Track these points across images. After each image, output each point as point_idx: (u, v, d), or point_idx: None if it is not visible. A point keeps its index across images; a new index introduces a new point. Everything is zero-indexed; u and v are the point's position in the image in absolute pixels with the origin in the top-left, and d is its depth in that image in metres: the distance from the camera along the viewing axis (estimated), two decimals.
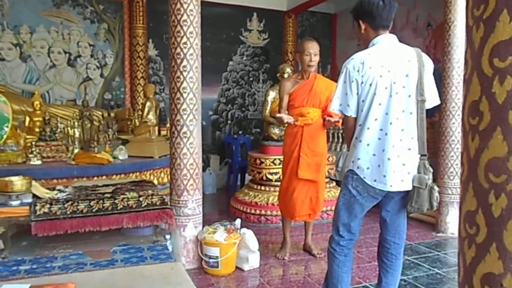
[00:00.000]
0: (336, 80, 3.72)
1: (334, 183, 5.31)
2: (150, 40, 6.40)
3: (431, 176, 2.12)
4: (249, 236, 3.31)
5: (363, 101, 2.11)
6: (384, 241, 2.34)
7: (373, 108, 2.08)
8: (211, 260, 3.17)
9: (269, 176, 4.90)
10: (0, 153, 3.88)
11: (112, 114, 5.56)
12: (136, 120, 5.29)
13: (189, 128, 3.19)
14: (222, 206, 5.65)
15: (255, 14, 7.20)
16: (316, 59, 3.42)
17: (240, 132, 7.18)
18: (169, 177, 4.72)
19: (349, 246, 2.27)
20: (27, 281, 2.05)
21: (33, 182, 2.76)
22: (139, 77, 6.17)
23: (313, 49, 3.41)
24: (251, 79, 7.29)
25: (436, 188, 2.13)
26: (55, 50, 5.89)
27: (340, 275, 2.27)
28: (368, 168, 2.10)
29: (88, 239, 3.05)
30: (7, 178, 2.59)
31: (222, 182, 6.88)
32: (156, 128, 4.97)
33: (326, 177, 4.54)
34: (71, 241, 2.98)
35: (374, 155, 2.09)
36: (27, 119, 4.63)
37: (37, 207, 2.62)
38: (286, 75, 5.06)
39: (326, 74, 7.44)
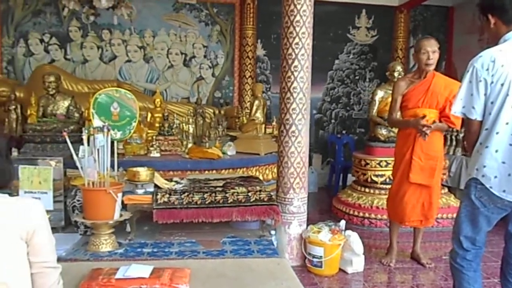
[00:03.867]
0: (453, 78, 3.48)
1: (446, 189, 4.95)
2: (259, 40, 6.61)
3: None
4: (354, 239, 3.25)
5: (492, 102, 1.92)
6: (510, 258, 2.12)
7: (505, 110, 1.88)
8: (314, 260, 3.18)
9: (375, 178, 4.75)
10: (126, 146, 4.33)
11: (222, 112, 5.85)
12: (244, 118, 5.49)
13: (298, 127, 3.23)
14: (323, 206, 5.62)
15: (364, 10, 7.01)
16: (434, 57, 3.24)
17: (344, 131, 7.06)
18: (273, 174, 4.83)
19: (477, 260, 2.10)
20: (150, 263, 2.22)
21: (155, 173, 3.01)
22: (247, 76, 6.42)
23: (430, 46, 3.23)
24: (357, 77, 7.12)
25: None
26: (173, 52, 6.42)
27: None
28: (495, 177, 1.91)
29: (199, 229, 3.22)
30: (135, 169, 2.86)
31: (324, 181, 6.84)
32: (263, 126, 5.12)
33: None
34: (185, 230, 3.16)
35: (503, 162, 1.90)
36: (149, 115, 5.09)
37: (158, 196, 2.85)
38: (396, 74, 4.85)
39: (440, 71, 6.90)
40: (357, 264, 3.30)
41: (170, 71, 6.46)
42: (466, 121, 2.10)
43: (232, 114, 5.82)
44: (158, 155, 4.42)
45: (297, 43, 3.16)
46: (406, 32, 6.97)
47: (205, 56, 6.54)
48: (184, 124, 4.79)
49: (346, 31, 7.01)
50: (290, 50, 3.18)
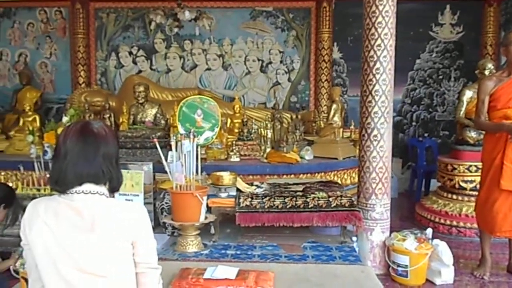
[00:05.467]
0: None
1: None
2: (335, 43, 6.54)
3: None
4: (443, 248, 3.08)
5: None
6: None
7: None
8: (399, 268, 3.06)
9: (463, 184, 4.46)
10: (208, 150, 4.51)
11: (299, 116, 5.87)
12: (321, 122, 5.46)
13: (380, 131, 3.15)
14: (404, 212, 5.39)
15: (448, 6, 6.64)
16: None
17: (426, 134, 6.71)
18: (351, 179, 4.74)
19: None
20: (234, 265, 2.29)
21: (238, 178, 3.10)
22: (323, 80, 6.39)
23: None
24: (440, 77, 6.75)
25: None
26: (250, 59, 6.62)
27: None
28: None
29: (279, 232, 3.25)
30: (218, 173, 2.98)
31: (404, 186, 6.56)
32: (341, 130, 5.04)
33: None
34: (265, 233, 3.20)
35: None
36: (228, 121, 5.26)
37: (241, 200, 2.93)
38: (487, 72, 4.52)
39: None
40: (446, 275, 3.12)
41: (248, 78, 6.65)
42: None
43: (309, 118, 5.81)
44: (237, 159, 4.55)
45: (379, 45, 3.09)
46: (496, 26, 6.47)
47: (281, 62, 6.63)
48: (262, 129, 4.88)
49: (428, 28, 6.68)
50: (371, 52, 3.11)
